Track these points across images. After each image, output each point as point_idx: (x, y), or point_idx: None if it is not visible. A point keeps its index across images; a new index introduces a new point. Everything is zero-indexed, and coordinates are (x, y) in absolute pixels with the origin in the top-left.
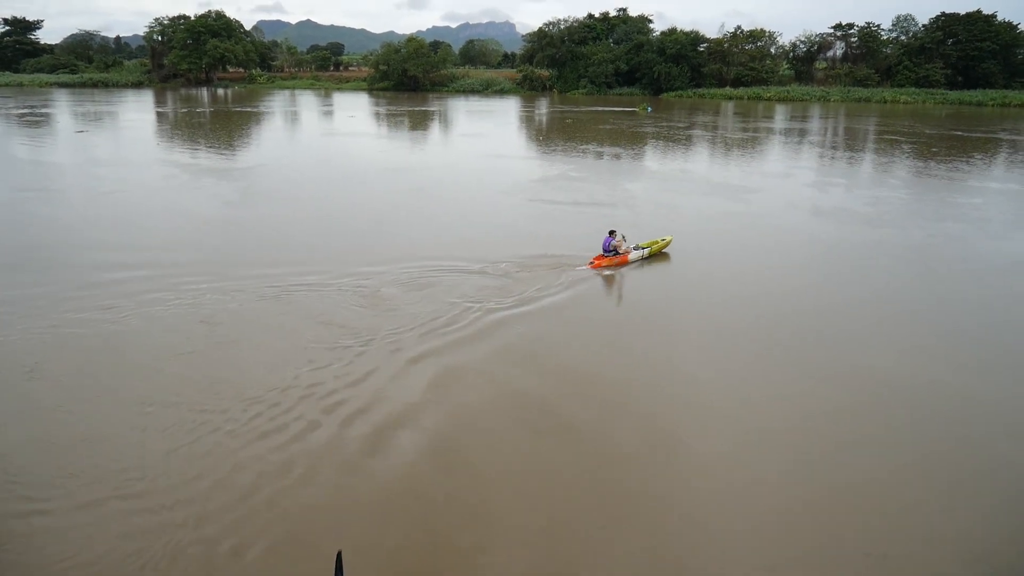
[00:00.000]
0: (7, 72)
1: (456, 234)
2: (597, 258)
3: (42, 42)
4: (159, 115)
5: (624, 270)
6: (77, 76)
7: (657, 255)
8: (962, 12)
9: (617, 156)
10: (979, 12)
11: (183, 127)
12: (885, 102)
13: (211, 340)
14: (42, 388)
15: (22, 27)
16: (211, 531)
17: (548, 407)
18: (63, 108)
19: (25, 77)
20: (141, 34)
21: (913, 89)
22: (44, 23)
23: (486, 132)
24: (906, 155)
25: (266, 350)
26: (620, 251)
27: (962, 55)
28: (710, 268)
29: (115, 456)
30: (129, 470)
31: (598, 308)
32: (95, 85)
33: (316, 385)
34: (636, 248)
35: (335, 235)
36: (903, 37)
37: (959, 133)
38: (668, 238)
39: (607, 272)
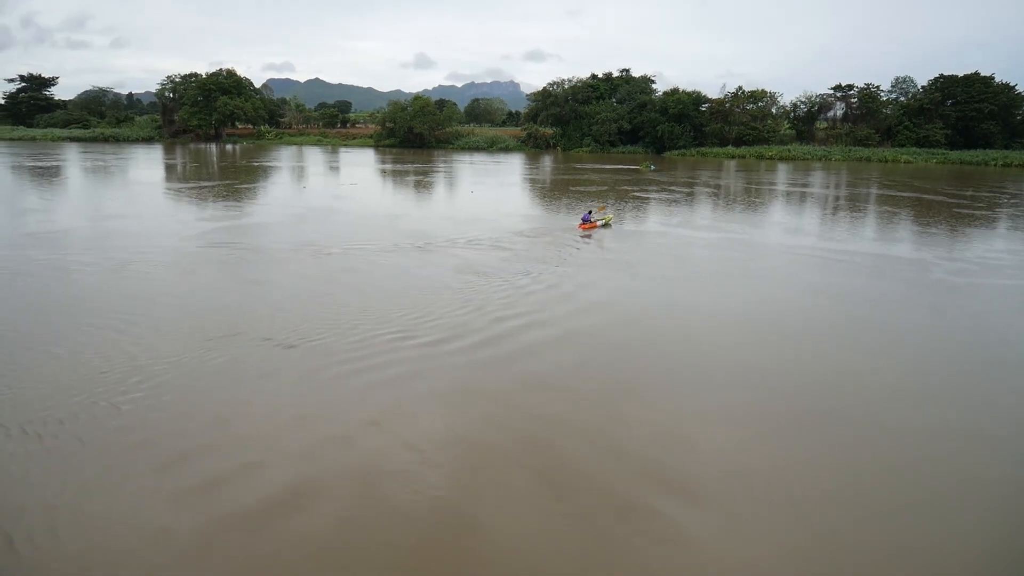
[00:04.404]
0: (21, 127)
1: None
2: (581, 225)
3: (56, 98)
4: (164, 167)
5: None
6: (88, 131)
7: (607, 226)
8: (960, 74)
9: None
10: (977, 74)
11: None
12: (886, 161)
13: None
14: None
15: (38, 83)
16: None
17: (521, 447)
18: (53, 159)
19: (38, 131)
20: (153, 91)
21: (914, 149)
22: (59, 80)
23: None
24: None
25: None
26: (592, 220)
27: (961, 116)
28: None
29: None
30: None
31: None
32: (106, 140)
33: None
34: (600, 221)
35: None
36: (902, 98)
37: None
38: (609, 216)
39: (587, 233)
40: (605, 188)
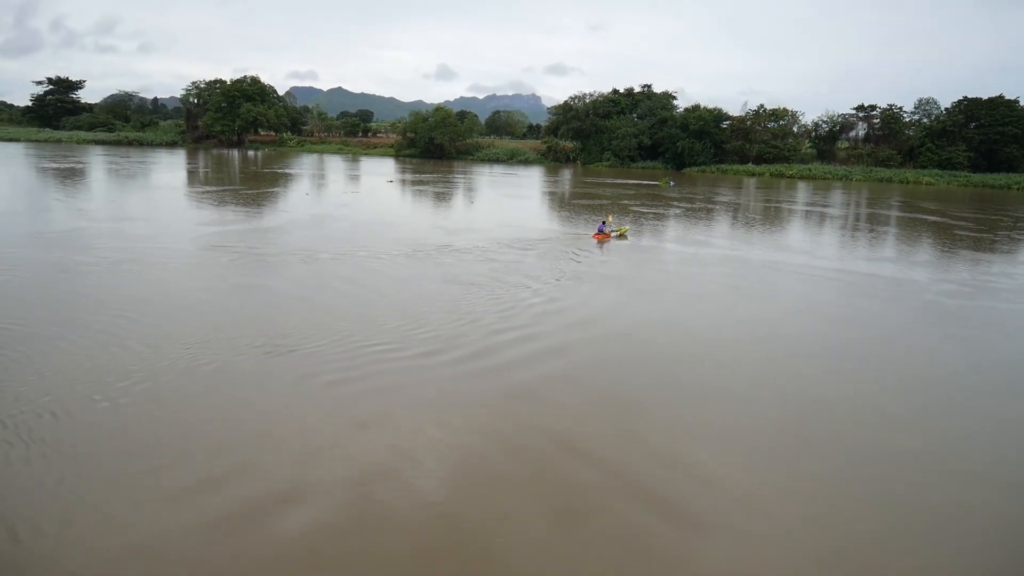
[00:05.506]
0: (47, 129)
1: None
2: (596, 235)
3: (83, 101)
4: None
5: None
6: (113, 135)
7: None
8: (984, 96)
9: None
10: (1001, 97)
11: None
12: (907, 183)
13: None
14: None
15: (65, 86)
16: None
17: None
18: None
19: (64, 134)
20: (178, 96)
21: (936, 171)
22: (86, 83)
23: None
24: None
25: None
26: (606, 231)
27: (984, 139)
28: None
29: None
30: None
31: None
32: (130, 143)
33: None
34: (613, 232)
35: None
36: (925, 120)
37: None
38: (625, 228)
39: (607, 242)
40: (607, 202)
